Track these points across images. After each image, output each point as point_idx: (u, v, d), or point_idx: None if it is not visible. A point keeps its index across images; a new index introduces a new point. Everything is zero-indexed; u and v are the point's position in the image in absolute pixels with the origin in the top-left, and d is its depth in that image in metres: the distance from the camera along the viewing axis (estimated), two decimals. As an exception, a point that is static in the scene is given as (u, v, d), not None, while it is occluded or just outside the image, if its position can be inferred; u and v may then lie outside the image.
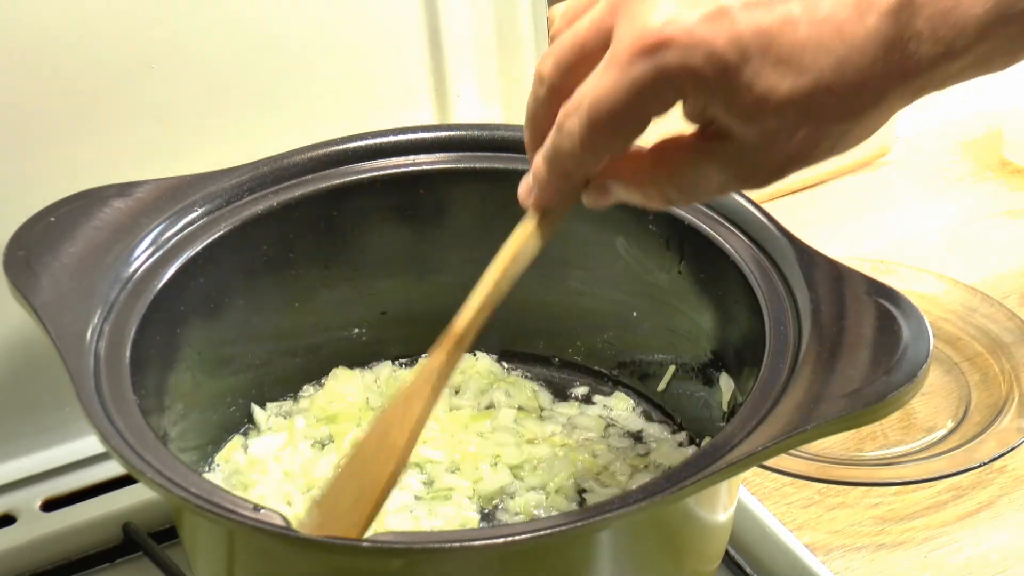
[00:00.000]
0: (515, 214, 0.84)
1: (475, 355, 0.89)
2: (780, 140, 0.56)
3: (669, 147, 0.59)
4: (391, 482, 0.64)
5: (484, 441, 0.82)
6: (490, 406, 0.85)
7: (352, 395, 0.85)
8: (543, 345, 0.90)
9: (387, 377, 0.87)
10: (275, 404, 0.85)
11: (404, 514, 0.77)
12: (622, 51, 0.55)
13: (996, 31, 0.55)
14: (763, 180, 0.58)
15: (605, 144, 0.58)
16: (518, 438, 0.82)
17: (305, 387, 0.87)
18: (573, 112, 0.57)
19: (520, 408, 0.85)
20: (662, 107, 0.56)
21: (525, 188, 0.63)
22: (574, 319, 0.88)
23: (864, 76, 0.54)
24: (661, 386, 0.86)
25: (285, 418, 0.85)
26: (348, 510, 0.63)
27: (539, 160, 0.61)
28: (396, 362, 0.89)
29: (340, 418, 0.84)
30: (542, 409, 0.86)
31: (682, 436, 0.84)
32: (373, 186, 0.84)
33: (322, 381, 0.87)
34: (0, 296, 0.75)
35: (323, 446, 0.83)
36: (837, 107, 0.54)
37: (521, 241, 0.64)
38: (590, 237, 0.84)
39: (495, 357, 0.89)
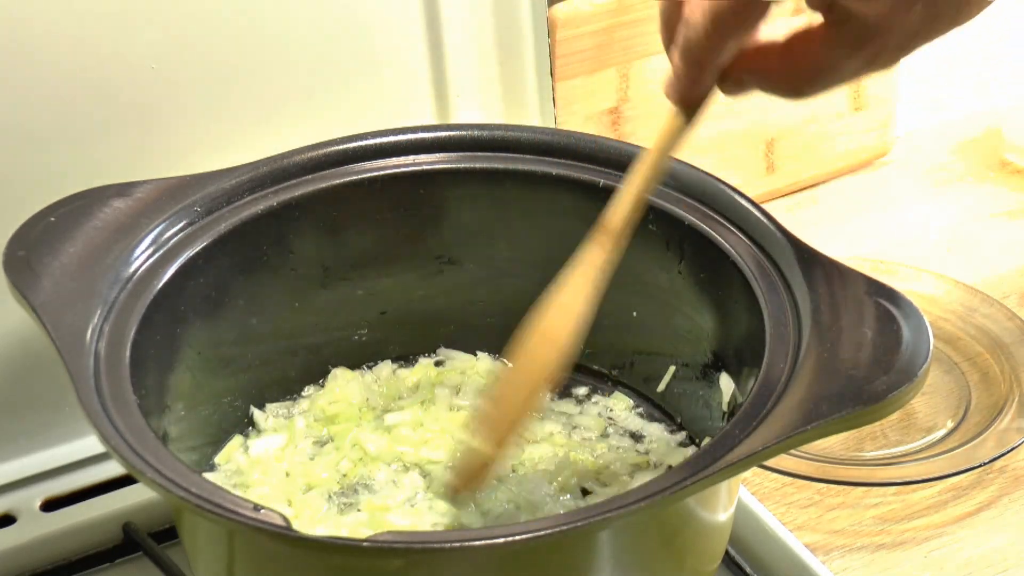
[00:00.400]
0: (515, 214, 0.85)
1: (476, 355, 0.89)
2: (899, 14, 0.56)
3: (799, 38, 0.61)
4: (554, 371, 0.67)
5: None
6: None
7: (353, 396, 0.85)
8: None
9: (387, 377, 0.87)
10: (275, 404, 0.85)
11: (406, 513, 0.77)
12: None
13: None
14: (889, 59, 0.59)
15: (730, 31, 0.60)
16: (526, 435, 0.82)
17: (307, 387, 0.87)
18: (697, 6, 0.59)
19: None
20: None
21: (667, 84, 0.65)
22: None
23: None
24: (661, 387, 0.86)
25: (285, 418, 0.85)
26: (511, 397, 0.67)
27: (675, 55, 0.63)
28: (396, 362, 0.89)
29: (340, 418, 0.84)
30: (542, 409, 0.86)
31: (682, 436, 0.84)
32: (373, 186, 0.84)
33: (321, 382, 0.87)
34: (0, 297, 0.75)
35: (323, 446, 0.82)
36: None
37: (668, 133, 0.66)
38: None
39: (496, 357, 0.89)
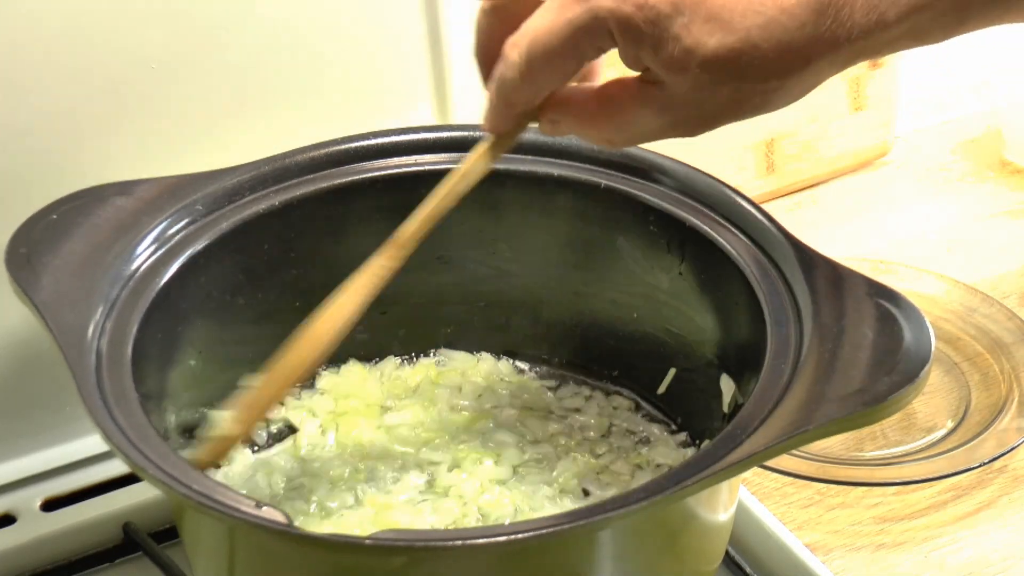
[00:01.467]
0: (515, 214, 0.85)
1: (477, 356, 0.89)
2: (707, 93, 0.59)
3: (613, 88, 0.63)
4: (306, 369, 0.71)
5: (486, 440, 0.82)
6: (492, 407, 0.85)
7: (364, 391, 0.85)
8: (544, 346, 0.90)
9: (391, 374, 0.87)
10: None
11: (407, 511, 0.77)
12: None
13: (931, 2, 0.56)
14: (695, 129, 0.61)
15: (544, 79, 0.62)
16: (519, 438, 0.82)
17: (312, 383, 0.87)
18: (514, 46, 0.62)
19: (521, 408, 0.85)
20: (595, 50, 0.60)
21: (483, 112, 0.67)
22: (575, 320, 0.88)
23: (792, 39, 0.56)
24: (662, 388, 0.86)
25: (287, 415, 0.85)
26: (265, 387, 0.71)
27: (490, 88, 0.65)
28: (399, 358, 0.89)
29: (350, 414, 0.84)
30: (543, 409, 0.86)
31: (682, 436, 0.84)
32: (374, 186, 0.84)
33: (314, 386, 0.87)
34: (0, 296, 0.75)
35: (328, 443, 0.82)
36: (762, 67, 0.57)
37: (471, 162, 0.69)
38: (591, 239, 0.84)
39: (497, 358, 0.89)
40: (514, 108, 0.65)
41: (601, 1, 0.58)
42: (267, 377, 0.72)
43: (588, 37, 0.59)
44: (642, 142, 0.63)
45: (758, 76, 0.58)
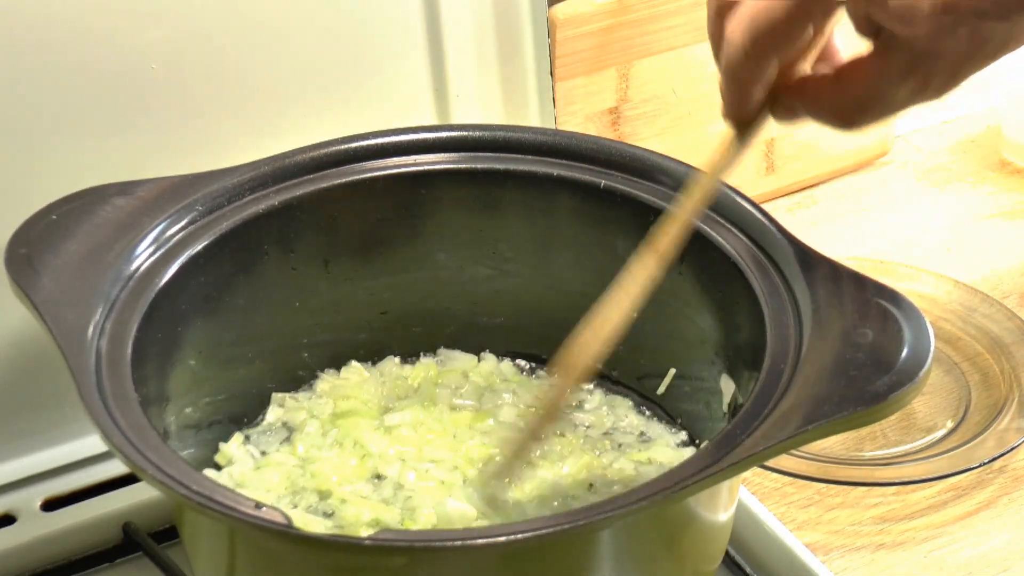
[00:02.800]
0: (516, 214, 0.85)
1: (478, 356, 0.89)
2: (944, 40, 0.56)
3: (849, 68, 0.61)
4: (579, 380, 0.72)
5: (488, 439, 0.82)
6: (493, 406, 0.85)
7: (367, 393, 0.85)
8: (545, 347, 0.89)
9: (392, 373, 0.87)
10: (276, 402, 0.85)
11: (407, 511, 0.77)
12: None
13: None
14: (940, 87, 0.59)
15: (768, 51, 0.60)
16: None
17: (307, 386, 0.87)
18: (737, 25, 0.60)
19: (523, 407, 0.85)
20: (821, 12, 0.58)
21: (721, 103, 0.65)
22: (575, 321, 0.88)
23: None
24: (662, 388, 0.86)
25: (287, 416, 0.85)
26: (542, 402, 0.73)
27: (720, 73, 0.63)
28: (399, 358, 0.89)
29: (350, 415, 0.84)
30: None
31: (683, 436, 0.84)
32: (374, 186, 0.84)
33: (314, 386, 0.87)
34: (0, 296, 0.75)
35: (328, 444, 0.82)
36: (994, 4, 0.54)
37: (721, 154, 0.66)
38: (591, 239, 0.84)
39: (498, 358, 0.89)
40: (747, 89, 0.62)
41: None
42: (549, 389, 0.73)
43: (814, 4, 0.58)
44: (887, 116, 0.61)
45: (992, 14, 0.55)
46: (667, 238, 0.69)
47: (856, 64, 0.61)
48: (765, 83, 0.62)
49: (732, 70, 0.62)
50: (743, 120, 0.65)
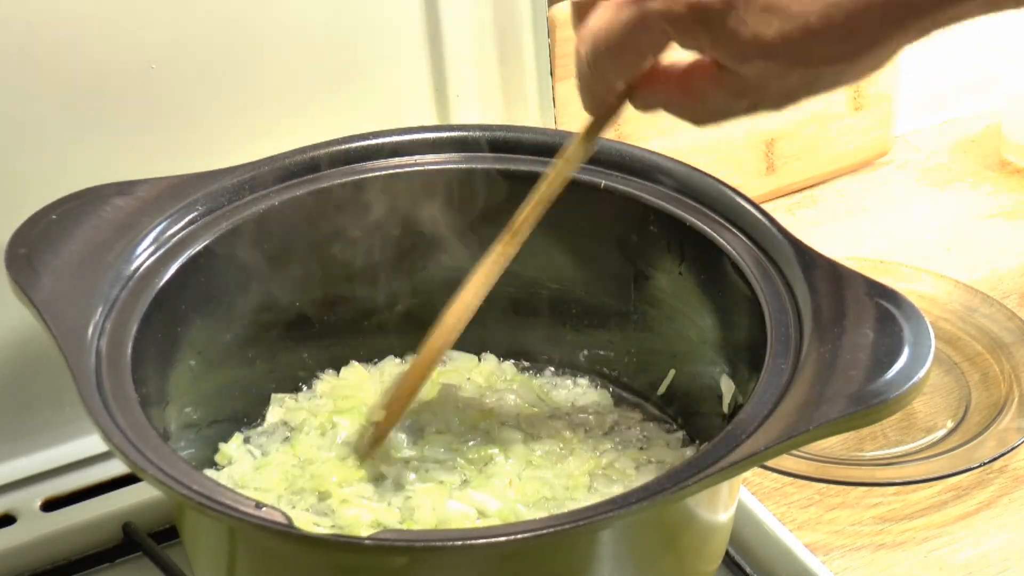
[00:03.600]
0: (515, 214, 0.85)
1: (480, 357, 0.89)
2: (777, 78, 0.59)
3: (695, 71, 0.63)
4: (439, 355, 0.75)
5: (490, 439, 0.82)
6: (496, 405, 0.85)
7: (364, 392, 0.85)
8: (546, 347, 0.90)
9: (392, 373, 0.87)
10: (277, 402, 0.85)
11: (408, 511, 0.77)
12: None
13: None
14: (775, 107, 0.62)
15: (609, 72, 0.64)
16: (526, 435, 0.82)
17: (307, 385, 0.87)
18: (581, 42, 0.63)
19: (524, 407, 0.85)
20: (654, 46, 0.61)
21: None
22: (576, 321, 0.88)
23: (854, 22, 0.55)
24: (662, 389, 0.86)
25: (287, 416, 0.85)
26: (408, 378, 0.75)
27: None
28: (400, 358, 0.89)
29: (348, 415, 0.84)
30: (546, 408, 0.86)
31: (682, 436, 0.84)
32: (374, 186, 0.84)
33: (314, 386, 0.87)
34: (0, 296, 0.75)
35: (328, 444, 0.82)
36: (827, 51, 0.56)
37: (574, 145, 0.71)
38: (591, 239, 0.84)
39: (500, 359, 0.89)
40: (595, 96, 0.66)
41: (651, 4, 0.59)
42: (408, 368, 0.76)
43: (644, 35, 0.60)
44: (727, 121, 0.63)
45: (823, 60, 0.57)
46: (523, 219, 0.72)
47: (699, 71, 0.62)
48: (612, 89, 0.65)
49: (582, 81, 0.66)
50: (596, 114, 0.68)
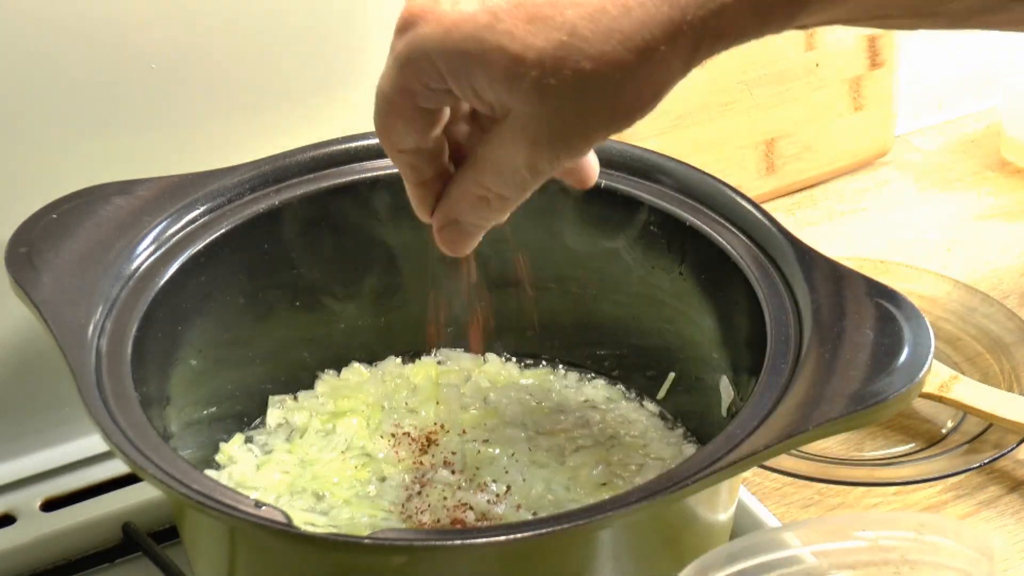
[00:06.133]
0: (516, 214, 0.85)
1: (484, 357, 0.89)
2: (555, 103, 0.55)
3: (467, 146, 0.61)
4: None
5: (492, 438, 0.82)
6: (497, 404, 0.85)
7: (364, 392, 0.85)
8: (547, 347, 0.90)
9: (393, 373, 0.87)
10: (277, 402, 0.85)
11: (408, 510, 0.77)
12: (392, 38, 0.58)
13: None
14: (569, 146, 0.57)
15: (398, 132, 0.60)
16: (525, 435, 0.82)
17: (307, 385, 0.87)
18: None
19: (526, 406, 0.85)
20: (427, 91, 0.57)
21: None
22: (576, 322, 0.88)
23: (621, 26, 0.53)
24: (661, 393, 0.86)
25: (288, 416, 0.85)
26: None
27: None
28: (401, 358, 0.89)
29: (349, 415, 0.84)
30: (548, 407, 0.86)
31: (682, 436, 0.84)
32: (374, 186, 0.84)
33: (315, 386, 0.87)
34: (0, 296, 0.75)
35: (329, 445, 0.82)
36: (599, 60, 0.53)
37: None
38: (591, 239, 0.84)
39: (503, 359, 0.89)
40: (416, 173, 0.63)
41: (421, 27, 0.55)
42: None
43: (419, 70, 0.56)
44: (532, 183, 0.59)
45: (596, 71, 0.53)
46: None
47: (472, 142, 0.61)
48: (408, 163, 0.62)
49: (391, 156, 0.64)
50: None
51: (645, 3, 0.53)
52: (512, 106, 0.56)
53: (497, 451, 0.81)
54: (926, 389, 0.90)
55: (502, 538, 0.59)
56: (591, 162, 0.67)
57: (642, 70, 0.54)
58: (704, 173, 0.81)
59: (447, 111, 0.60)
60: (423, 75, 0.56)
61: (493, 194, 0.61)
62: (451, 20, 0.54)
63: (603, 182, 0.82)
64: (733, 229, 0.78)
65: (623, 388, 0.88)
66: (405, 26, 0.56)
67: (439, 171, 0.63)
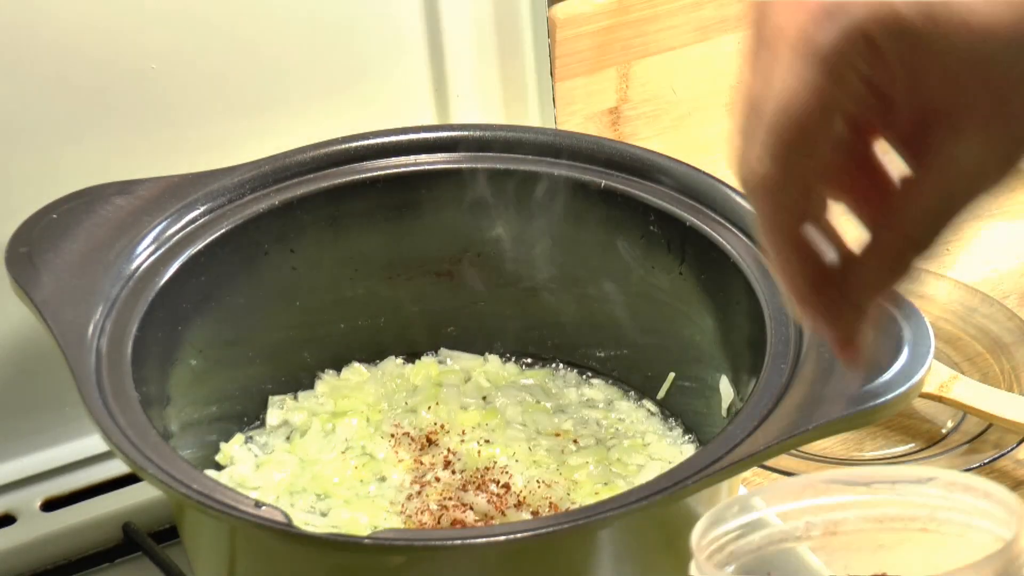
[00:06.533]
0: (516, 215, 0.85)
1: (484, 357, 0.89)
2: (1008, 73, 0.44)
3: (893, 200, 0.48)
4: None
5: (495, 437, 0.82)
6: (498, 404, 0.85)
7: (364, 392, 0.85)
8: (546, 347, 0.90)
9: (393, 373, 0.87)
10: (277, 403, 0.85)
11: (408, 510, 0.77)
12: (787, 38, 0.44)
13: None
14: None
15: (797, 158, 0.46)
16: (526, 435, 0.82)
17: (307, 386, 0.87)
18: (751, 126, 0.46)
19: (527, 406, 0.85)
20: (853, 86, 0.45)
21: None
22: (576, 321, 0.88)
23: None
24: (661, 393, 0.86)
25: (288, 416, 0.85)
26: None
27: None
28: (401, 358, 0.89)
29: (349, 415, 0.84)
30: (548, 407, 0.86)
31: (682, 436, 0.84)
32: (374, 186, 0.84)
33: (315, 386, 0.87)
34: (0, 296, 0.75)
35: (329, 445, 0.82)
36: None
37: None
38: (591, 239, 0.84)
39: (503, 359, 0.89)
40: (783, 225, 0.47)
41: (852, 11, 0.43)
42: None
43: (849, 71, 0.44)
44: (969, 200, 0.47)
45: None
46: None
47: (900, 193, 0.49)
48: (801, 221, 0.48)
49: (764, 218, 0.48)
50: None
51: None
52: (961, 86, 0.44)
53: (497, 451, 0.81)
54: (926, 389, 0.90)
55: (502, 538, 0.59)
56: None
57: None
58: (704, 173, 0.81)
59: None
60: (854, 61, 0.44)
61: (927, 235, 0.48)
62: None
63: (603, 182, 0.82)
64: (733, 229, 0.78)
65: (623, 388, 0.88)
66: (822, 14, 0.44)
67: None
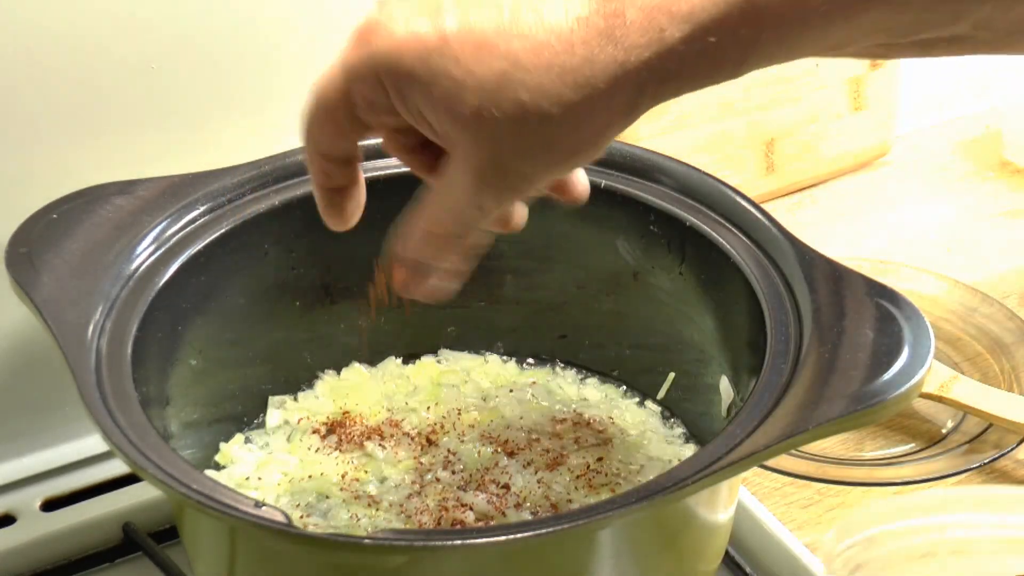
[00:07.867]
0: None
1: (484, 357, 0.89)
2: (496, 135, 0.54)
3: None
4: None
5: (492, 439, 0.82)
6: (498, 404, 0.85)
7: (364, 392, 0.85)
8: (546, 347, 0.90)
9: (393, 373, 0.87)
10: (277, 402, 0.85)
11: (409, 510, 0.77)
12: (347, 42, 0.57)
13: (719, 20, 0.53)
14: (514, 186, 0.57)
15: (326, 136, 0.61)
16: (526, 435, 0.82)
17: (307, 386, 0.87)
18: (313, 91, 0.61)
19: (527, 406, 0.85)
20: (376, 96, 0.57)
21: None
22: (576, 321, 0.88)
23: (564, 62, 0.52)
24: (661, 393, 0.86)
25: (288, 417, 0.85)
26: None
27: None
28: (401, 358, 0.89)
29: (350, 415, 0.84)
30: (548, 407, 0.86)
31: (682, 436, 0.84)
32: (374, 186, 0.83)
33: (315, 386, 0.87)
34: (0, 296, 0.75)
35: (329, 445, 0.82)
36: (539, 92, 0.52)
37: None
38: (591, 239, 0.84)
39: (503, 359, 0.89)
40: (324, 190, 0.66)
41: (370, 45, 0.55)
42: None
43: (361, 86, 0.57)
44: (478, 219, 0.58)
45: (535, 104, 0.53)
46: None
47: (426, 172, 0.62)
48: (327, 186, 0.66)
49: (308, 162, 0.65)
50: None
51: (589, 41, 0.52)
52: (455, 135, 0.55)
53: (497, 451, 0.81)
54: (926, 389, 0.90)
55: (502, 538, 0.59)
56: (580, 179, 0.67)
57: (582, 108, 0.53)
58: (704, 173, 0.81)
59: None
60: (369, 89, 0.57)
61: (441, 229, 0.60)
62: (402, 39, 0.54)
63: (603, 182, 0.82)
64: (733, 229, 0.78)
65: (623, 388, 0.88)
66: (360, 37, 0.56)
67: (351, 180, 0.65)
